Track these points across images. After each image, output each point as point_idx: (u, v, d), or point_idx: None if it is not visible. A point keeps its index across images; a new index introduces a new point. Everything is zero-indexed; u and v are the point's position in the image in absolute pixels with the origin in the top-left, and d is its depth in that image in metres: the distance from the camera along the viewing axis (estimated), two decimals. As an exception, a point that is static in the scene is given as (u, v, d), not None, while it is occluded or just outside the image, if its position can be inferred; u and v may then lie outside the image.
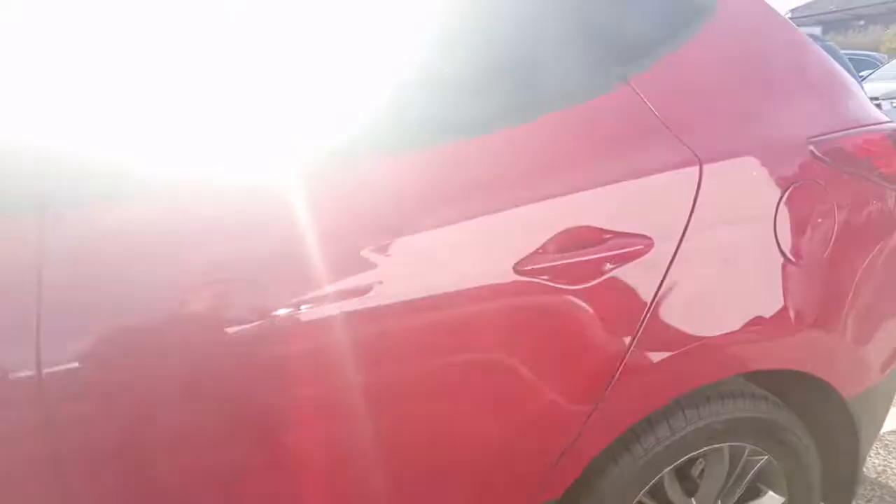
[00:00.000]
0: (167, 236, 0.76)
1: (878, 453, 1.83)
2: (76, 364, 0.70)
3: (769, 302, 1.01)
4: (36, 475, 0.72)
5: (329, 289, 0.78)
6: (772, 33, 1.10)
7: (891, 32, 17.48)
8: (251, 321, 0.76)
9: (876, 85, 7.34)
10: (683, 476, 1.13)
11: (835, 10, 26.07)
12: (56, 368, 0.69)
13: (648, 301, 0.93)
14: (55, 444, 0.71)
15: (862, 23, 24.03)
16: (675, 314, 0.95)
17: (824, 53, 1.18)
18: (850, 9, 25.40)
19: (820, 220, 1.03)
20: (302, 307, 0.77)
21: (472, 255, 0.85)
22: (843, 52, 6.64)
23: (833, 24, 24.35)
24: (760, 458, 1.14)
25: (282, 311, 0.77)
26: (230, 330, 0.76)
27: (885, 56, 11.18)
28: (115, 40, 0.80)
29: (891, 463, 1.79)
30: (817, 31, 19.20)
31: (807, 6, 27.23)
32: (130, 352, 0.74)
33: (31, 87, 0.76)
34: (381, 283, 0.80)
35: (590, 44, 0.97)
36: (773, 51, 1.10)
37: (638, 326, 0.93)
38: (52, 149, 0.74)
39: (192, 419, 0.77)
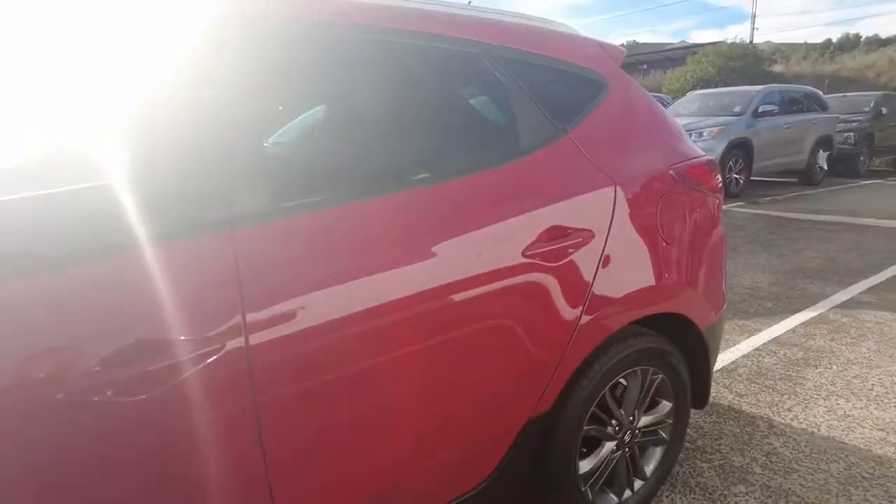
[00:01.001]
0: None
1: (712, 385, 2.58)
2: (273, 331, 1.01)
3: (659, 270, 1.59)
4: (239, 423, 1.00)
5: (411, 276, 1.18)
6: (639, 99, 1.72)
7: (669, 76, 21.34)
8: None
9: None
10: (613, 396, 1.66)
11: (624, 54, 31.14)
12: (258, 334, 1.00)
13: (593, 272, 1.45)
14: (255, 396, 1.00)
15: (644, 67, 28.87)
16: (606, 280, 1.47)
17: (666, 110, 1.83)
18: (635, 55, 30.50)
19: (679, 217, 1.65)
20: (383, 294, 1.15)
21: (498, 245, 1.29)
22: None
23: (623, 68, 28.81)
24: (657, 377, 1.71)
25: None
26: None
27: (669, 96, 13.78)
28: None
29: (720, 390, 2.55)
30: (614, 73, 22.65)
31: (603, 51, 32.08)
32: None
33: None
34: (439, 268, 1.21)
35: (545, 109, 1.47)
36: (641, 111, 1.71)
37: (588, 288, 1.44)
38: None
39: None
